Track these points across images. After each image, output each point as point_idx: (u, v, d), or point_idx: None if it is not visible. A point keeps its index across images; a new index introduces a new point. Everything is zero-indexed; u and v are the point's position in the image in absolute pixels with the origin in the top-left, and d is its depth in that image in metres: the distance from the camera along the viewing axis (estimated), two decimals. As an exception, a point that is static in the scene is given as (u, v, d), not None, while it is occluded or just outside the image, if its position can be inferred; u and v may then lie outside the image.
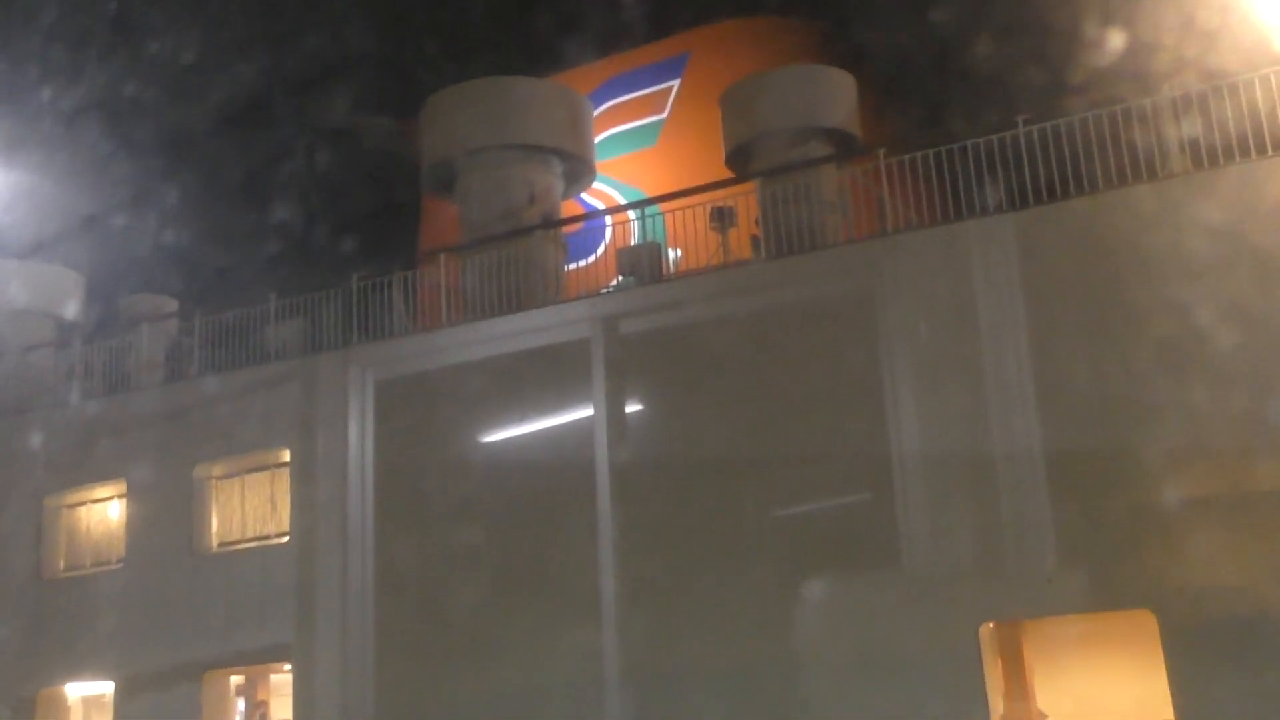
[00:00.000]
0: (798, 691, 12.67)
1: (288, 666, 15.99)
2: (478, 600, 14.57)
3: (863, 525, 12.67)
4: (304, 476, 15.83)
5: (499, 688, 14.04)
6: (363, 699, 14.87)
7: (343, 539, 15.40)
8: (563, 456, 14.49)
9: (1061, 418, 11.72)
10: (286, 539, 16.11)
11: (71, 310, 19.30)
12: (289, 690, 16.02)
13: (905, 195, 13.56)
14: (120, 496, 17.83)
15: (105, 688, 17.82)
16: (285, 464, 16.48)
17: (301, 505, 15.82)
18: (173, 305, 19.12)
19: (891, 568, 12.33)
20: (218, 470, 17.03)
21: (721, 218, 14.99)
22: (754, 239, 15.02)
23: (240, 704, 17.39)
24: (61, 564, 18.12)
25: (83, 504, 18.15)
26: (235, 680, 17.19)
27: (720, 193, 14.99)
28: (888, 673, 12.12)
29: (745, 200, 15.00)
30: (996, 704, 12.33)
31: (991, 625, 12.24)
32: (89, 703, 18.50)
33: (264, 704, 16.80)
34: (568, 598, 13.99)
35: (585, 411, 14.31)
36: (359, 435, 15.39)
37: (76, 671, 17.21)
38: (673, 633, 13.40)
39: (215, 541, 16.98)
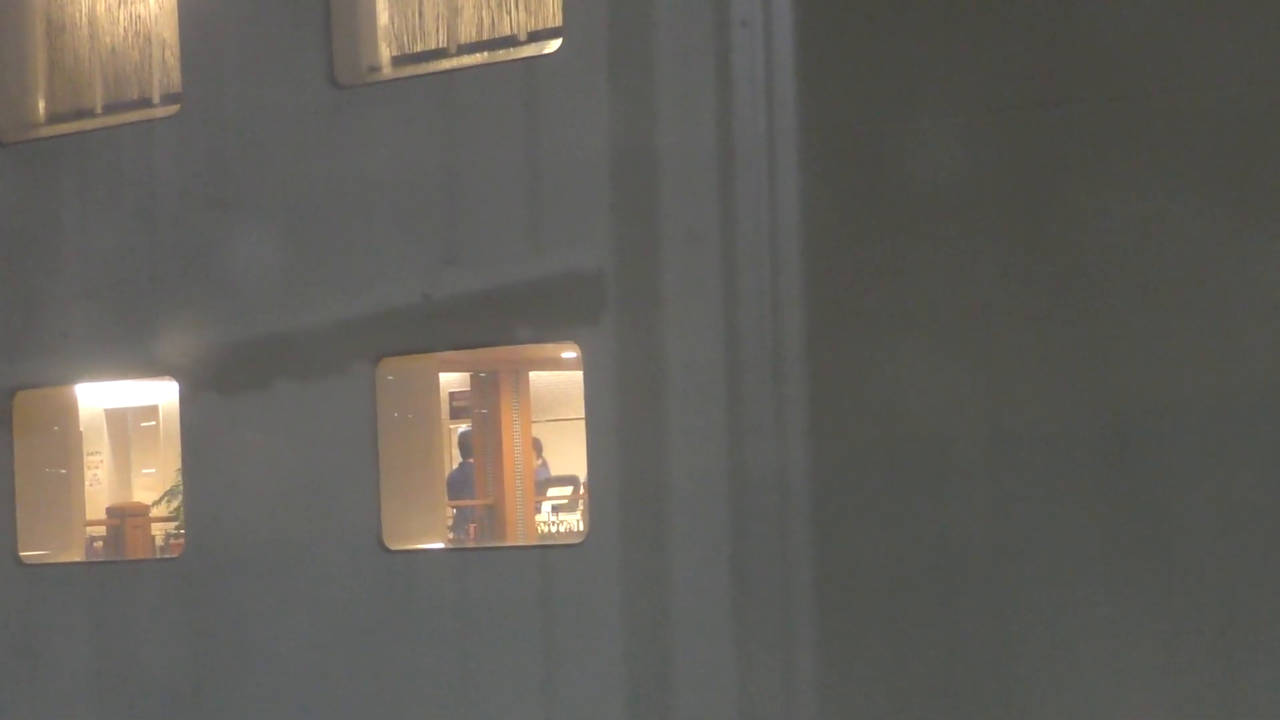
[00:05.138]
0: None
1: (572, 353, 15.54)
2: (1065, 161, 13.53)
3: None
4: None
5: (1132, 357, 13.33)
6: (775, 421, 13.92)
7: (715, 34, 14.05)
8: None
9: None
10: (558, 44, 14.86)
11: None
12: (571, 409, 15.74)
13: None
14: None
15: (157, 394, 17.86)
16: None
17: None
18: None
19: None
20: None
21: None
22: None
23: (462, 436, 16.75)
24: (40, 106, 17.62)
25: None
26: (449, 384, 16.81)
27: None
28: None
29: None
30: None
31: None
32: (123, 425, 19.05)
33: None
34: None
35: None
36: None
37: (94, 356, 17.08)
38: None
39: (386, 54, 16.02)
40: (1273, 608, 12.97)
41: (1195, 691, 13.31)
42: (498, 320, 15.68)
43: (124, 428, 19.71)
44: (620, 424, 14.90)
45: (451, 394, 17.74)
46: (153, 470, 19.10)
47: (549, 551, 16.08)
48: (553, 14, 15.28)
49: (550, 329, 15.57)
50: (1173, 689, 13.39)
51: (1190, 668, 13.19)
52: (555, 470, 18.06)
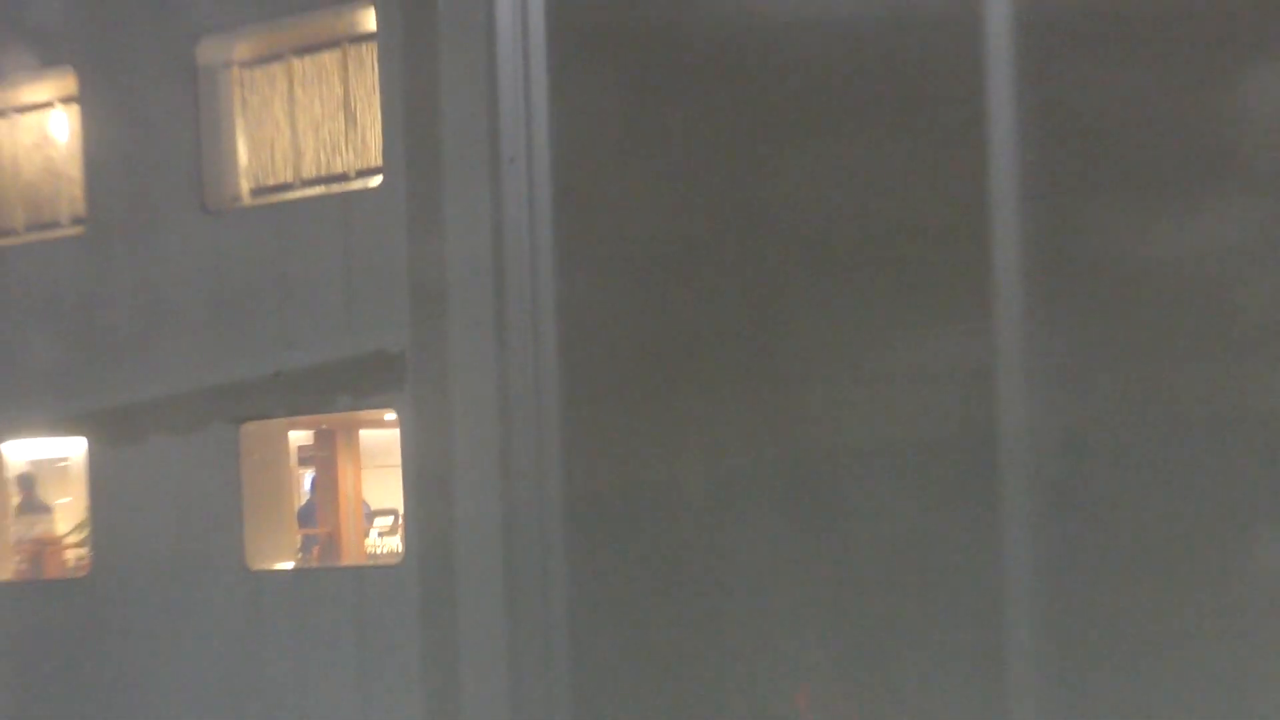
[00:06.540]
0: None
1: (391, 415, 15.42)
2: (750, 290, 13.85)
3: None
4: (407, 56, 14.92)
5: (792, 444, 13.55)
6: (537, 467, 14.14)
7: (489, 173, 14.39)
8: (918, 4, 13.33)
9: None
10: (379, 179, 15.22)
11: None
12: (394, 458, 15.41)
13: None
14: (68, 101, 17.16)
15: (69, 448, 18.01)
16: (369, 35, 15.56)
17: (405, 112, 14.93)
18: None
19: None
20: (242, 51, 16.21)
21: None
22: None
23: (307, 480, 17.48)
24: None
25: (0, 114, 17.89)
26: (297, 440, 17.19)
27: None
28: None
29: None
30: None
31: None
32: (43, 472, 18.62)
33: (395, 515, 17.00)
34: (924, 285, 13.09)
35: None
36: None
37: (18, 418, 17.05)
38: (1119, 352, 12.50)
39: (245, 186, 16.29)
40: (927, 611, 13.05)
41: (865, 671, 13.37)
42: (332, 393, 15.59)
43: (42, 476, 18.70)
44: (424, 470, 14.82)
45: (299, 447, 17.37)
46: (69, 499, 18.33)
47: (374, 570, 16.01)
48: (375, 156, 15.37)
49: (370, 398, 15.47)
50: (842, 671, 13.48)
51: (861, 655, 13.32)
52: (379, 504, 17.59)
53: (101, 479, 16.56)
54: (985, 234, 12.73)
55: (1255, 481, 12.40)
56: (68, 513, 18.24)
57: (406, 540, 15.14)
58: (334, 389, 15.58)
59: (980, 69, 12.69)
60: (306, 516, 17.05)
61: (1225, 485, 12.43)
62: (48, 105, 17.41)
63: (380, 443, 16.97)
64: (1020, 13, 12.76)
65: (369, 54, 15.44)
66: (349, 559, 16.72)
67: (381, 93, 15.23)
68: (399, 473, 15.13)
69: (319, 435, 16.87)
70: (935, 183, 13.25)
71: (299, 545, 16.67)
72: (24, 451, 18.41)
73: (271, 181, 16.27)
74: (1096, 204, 13.00)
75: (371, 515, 17.38)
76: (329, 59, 15.84)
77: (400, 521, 15.93)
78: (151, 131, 16.40)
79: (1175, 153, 12.67)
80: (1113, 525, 12.56)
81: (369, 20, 15.29)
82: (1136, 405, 12.62)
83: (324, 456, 17.05)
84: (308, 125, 16.05)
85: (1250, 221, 12.46)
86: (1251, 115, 12.52)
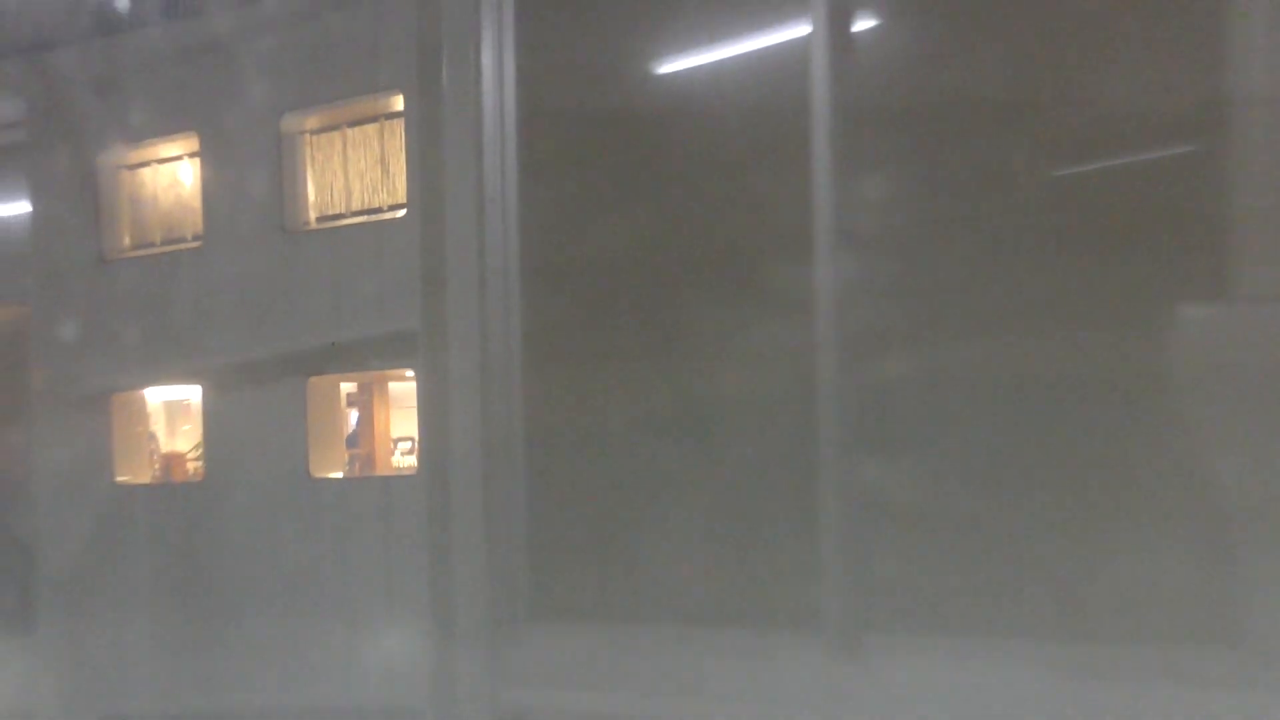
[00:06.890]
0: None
1: (410, 373, 15.86)
2: (653, 291, 13.83)
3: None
4: (423, 129, 14.95)
5: (679, 396, 13.60)
6: (507, 411, 14.34)
7: (477, 209, 14.50)
8: (766, 95, 13.12)
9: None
10: (404, 212, 15.66)
11: None
12: (412, 403, 15.95)
13: None
14: (192, 155, 17.56)
15: (190, 392, 18.23)
16: (398, 114, 15.88)
17: (421, 166, 15.11)
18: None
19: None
20: (311, 123, 16.57)
21: None
22: None
23: (353, 416, 17.53)
24: (127, 240, 18.13)
25: (146, 164, 17.99)
26: (346, 389, 17.43)
27: None
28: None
29: None
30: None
31: None
32: (172, 409, 19.00)
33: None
34: (769, 291, 13.12)
35: (800, 29, 12.74)
36: (495, 68, 14.29)
37: (156, 373, 17.61)
38: (903, 336, 12.51)
39: (313, 215, 16.72)
40: (768, 508, 13.17)
41: (727, 552, 13.48)
42: (369, 357, 16.21)
43: (171, 411, 19.09)
44: (432, 410, 15.07)
45: (348, 394, 17.45)
46: (189, 426, 18.64)
47: (398, 479, 16.49)
48: (400, 196, 15.98)
49: (396, 361, 16.08)
50: (711, 551, 13.56)
51: (724, 540, 13.41)
52: (402, 433, 17.46)
53: (212, 414, 17.03)
54: (810, 255, 12.80)
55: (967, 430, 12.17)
56: (190, 436, 18.52)
57: (420, 459, 15.45)
58: (371, 354, 16.02)
59: (808, 139, 12.68)
60: (352, 441, 17.44)
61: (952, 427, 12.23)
62: (179, 158, 17.87)
63: (403, 391, 17.10)
64: (835, 102, 12.60)
65: (398, 126, 15.93)
66: (380, 471, 17.28)
67: (406, 153, 15.69)
68: (415, 412, 15.67)
69: (361, 386, 17.40)
70: (778, 220, 13.26)
71: (346, 461, 17.16)
72: (160, 395, 18.73)
73: (330, 212, 16.81)
74: (885, 236, 12.76)
75: (397, 441, 17.61)
76: (371, 129, 16.42)
77: (416, 445, 16.24)
78: (249, 177, 16.71)
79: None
80: (897, 451, 12.58)
81: (399, 103, 15.76)
82: (914, 372, 12.53)
83: (365, 400, 17.48)
84: (355, 174, 16.54)
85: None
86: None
